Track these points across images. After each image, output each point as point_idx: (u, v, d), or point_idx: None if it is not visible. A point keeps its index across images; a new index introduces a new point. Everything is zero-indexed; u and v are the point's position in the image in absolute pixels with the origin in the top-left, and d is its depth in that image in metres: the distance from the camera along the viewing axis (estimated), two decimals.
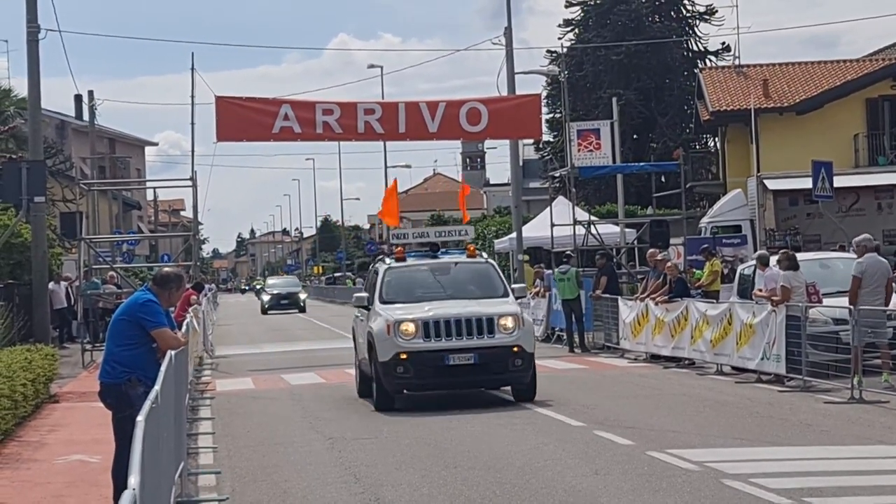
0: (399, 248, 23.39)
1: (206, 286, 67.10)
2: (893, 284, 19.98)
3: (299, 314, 68.72)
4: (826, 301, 21.13)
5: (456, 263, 21.83)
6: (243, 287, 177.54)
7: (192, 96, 34.00)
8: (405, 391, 20.05)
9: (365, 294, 21.59)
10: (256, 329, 53.36)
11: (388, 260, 22.02)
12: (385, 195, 31.33)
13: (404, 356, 19.26)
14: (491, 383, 20.38)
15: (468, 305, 19.90)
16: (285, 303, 73.37)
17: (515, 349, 19.39)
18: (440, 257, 22.18)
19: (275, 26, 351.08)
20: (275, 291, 76.00)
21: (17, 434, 17.87)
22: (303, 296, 77.03)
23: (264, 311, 71.79)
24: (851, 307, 19.09)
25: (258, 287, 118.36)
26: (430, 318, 19.50)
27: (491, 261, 22.33)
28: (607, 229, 41.45)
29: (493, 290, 20.95)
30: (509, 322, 19.52)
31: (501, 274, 21.84)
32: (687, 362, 24.63)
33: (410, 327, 19.41)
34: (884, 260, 20.41)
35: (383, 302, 20.49)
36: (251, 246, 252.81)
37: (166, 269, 13.04)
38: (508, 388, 20.41)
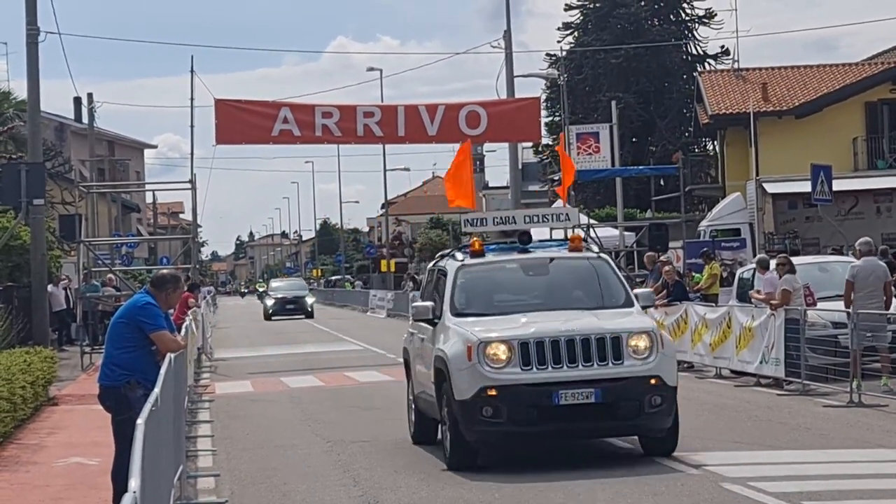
0: (475, 239, 16.64)
1: (206, 289, 67.30)
2: (893, 288, 20.00)
3: (306, 320, 62.76)
4: (824, 304, 21.13)
5: (555, 259, 15.96)
6: (243, 290, 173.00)
7: (192, 99, 34.05)
8: (494, 442, 14.06)
9: (428, 304, 15.50)
10: (256, 333, 53.31)
11: (459, 255, 15.98)
12: (452, 167, 21.32)
13: (493, 392, 13.54)
14: (618, 431, 14.57)
15: (580, 318, 14.30)
16: (291, 308, 67.24)
17: (653, 381, 13.80)
18: (532, 251, 16.10)
19: (274, 29, 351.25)
20: (279, 295, 69.38)
21: (15, 437, 17.86)
22: (310, 300, 69.44)
23: (268, 317, 66.32)
24: (850, 311, 19.10)
25: (260, 290, 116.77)
26: (531, 336, 13.74)
27: (604, 255, 16.41)
28: (606, 232, 41.51)
29: (612, 296, 15.28)
30: (643, 342, 13.90)
31: (620, 273, 16.12)
32: (686, 365, 24.65)
33: (502, 351, 13.70)
34: (881, 263, 20.42)
35: (457, 314, 14.81)
36: (250, 249, 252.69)
37: (163, 270, 13.05)
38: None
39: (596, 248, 16.59)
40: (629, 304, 15.09)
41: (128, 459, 6.56)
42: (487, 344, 13.71)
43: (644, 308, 15.32)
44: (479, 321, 14.45)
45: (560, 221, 19.00)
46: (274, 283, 78.31)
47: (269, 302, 68.88)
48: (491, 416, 13.58)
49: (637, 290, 16.02)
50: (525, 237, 16.26)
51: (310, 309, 66.82)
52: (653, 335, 13.97)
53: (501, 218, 16.48)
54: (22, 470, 15.11)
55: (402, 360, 17.49)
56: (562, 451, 14.76)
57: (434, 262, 17.06)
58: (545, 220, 16.72)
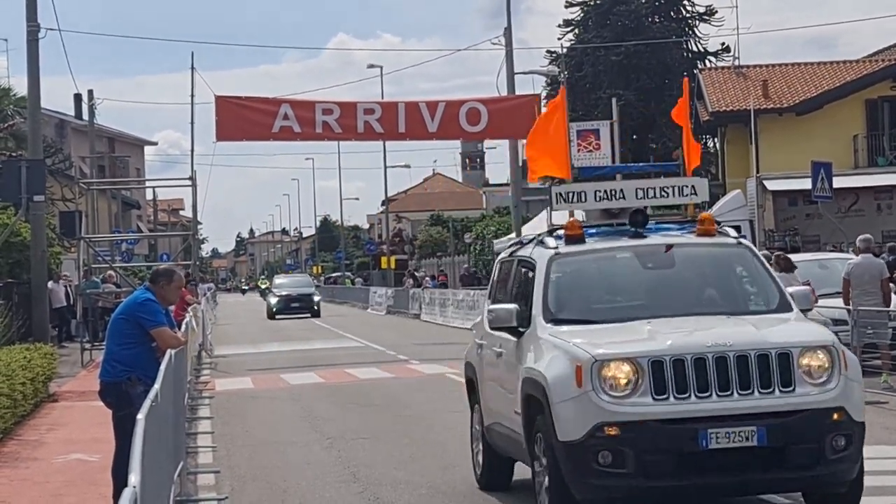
0: (572, 220, 12.25)
1: (206, 285, 67.18)
2: (892, 284, 20.01)
3: (312, 319, 59.65)
4: (824, 301, 21.13)
5: (679, 247, 11.87)
6: (244, 287, 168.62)
7: (192, 96, 34.11)
8: (616, 499, 10.10)
9: (511, 306, 11.47)
10: (257, 330, 53.32)
11: (550, 241, 11.86)
12: (538, 126, 16.47)
13: (614, 431, 9.91)
14: (787, 485, 10.59)
15: (726, 327, 10.58)
16: (296, 306, 63.45)
17: (836, 416, 10.15)
18: (648, 235, 11.96)
19: (274, 25, 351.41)
20: (284, 293, 65.17)
21: (16, 433, 17.87)
22: (316, 297, 65.49)
23: (271, 316, 62.93)
24: (850, 308, 19.11)
25: (262, 287, 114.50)
26: (667, 353, 10.01)
27: (746, 241, 12.23)
28: None
29: (761, 296, 11.49)
30: (821, 361, 10.21)
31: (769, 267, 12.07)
32: None
33: (626, 373, 9.99)
34: (878, 260, 20.41)
35: (553, 320, 10.95)
36: (250, 245, 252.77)
37: (159, 266, 13.11)
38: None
39: (734, 232, 12.18)
40: (785, 307, 11.15)
41: (128, 455, 6.56)
42: (605, 363, 9.91)
43: (803, 312, 11.26)
44: (586, 331, 10.62)
45: (685, 196, 13.39)
46: (278, 280, 73.26)
47: (273, 300, 65.29)
48: (610, 465, 9.84)
49: (791, 289, 11.69)
50: (640, 217, 11.95)
51: (316, 307, 63.17)
52: (833, 351, 10.20)
53: (606, 192, 12.21)
54: (22, 466, 15.11)
55: (463, 374, 13.83)
56: None
57: (510, 249, 13.08)
58: (664, 194, 10.35)
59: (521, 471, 11.94)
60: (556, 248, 11.68)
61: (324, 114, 33.12)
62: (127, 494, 5.20)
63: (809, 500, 10.90)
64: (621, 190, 12.63)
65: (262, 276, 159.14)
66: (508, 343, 11.50)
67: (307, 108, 33.42)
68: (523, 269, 12.12)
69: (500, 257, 13.43)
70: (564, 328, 10.77)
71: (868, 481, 11.21)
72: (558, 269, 11.47)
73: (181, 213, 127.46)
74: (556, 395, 10.07)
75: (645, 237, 11.88)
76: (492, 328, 11.73)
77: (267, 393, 23.84)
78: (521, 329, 11.22)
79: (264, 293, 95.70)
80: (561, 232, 11.93)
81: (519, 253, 12.57)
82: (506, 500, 12.17)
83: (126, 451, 7.88)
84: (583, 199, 12.63)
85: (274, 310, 63.55)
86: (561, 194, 12.74)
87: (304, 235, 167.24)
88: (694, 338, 10.17)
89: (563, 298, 11.32)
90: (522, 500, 11.90)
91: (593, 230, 12.15)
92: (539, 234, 12.43)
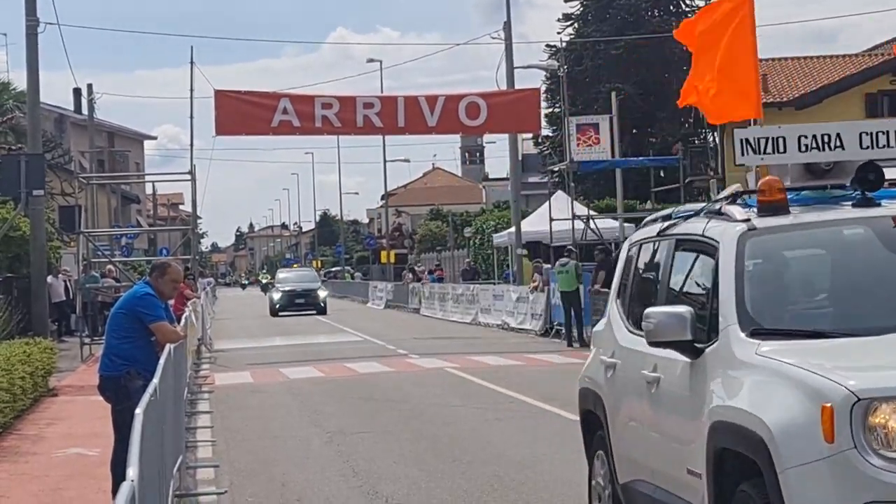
0: (769, 178, 8.11)
1: (205, 280, 67.20)
2: None
3: (318, 316, 56.06)
4: None
5: None
6: (244, 281, 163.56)
7: (192, 90, 34.00)
8: None
9: (682, 309, 7.48)
10: (256, 327, 53.31)
11: (736, 211, 8.02)
12: (704, 41, 11.22)
13: None
14: None
15: None
16: (301, 302, 59.81)
17: None
18: (883, 202, 7.95)
19: (274, 20, 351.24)
20: (287, 288, 61.35)
21: (15, 427, 17.87)
22: (322, 293, 61.69)
23: (274, 313, 59.25)
24: None
25: (264, 281, 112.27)
26: None
27: None
28: (606, 224, 41.48)
29: None
30: None
31: None
32: None
33: None
34: None
35: (758, 331, 7.10)
36: (250, 240, 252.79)
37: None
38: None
39: None
40: None
41: (127, 450, 6.56)
42: (874, 403, 6.11)
43: None
44: (819, 349, 6.84)
45: None
46: (281, 275, 67.61)
47: (276, 296, 61.13)
48: None
49: None
50: (872, 174, 7.96)
51: (322, 304, 59.37)
52: None
53: (816, 138, 8.28)
54: (21, 460, 15.11)
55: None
56: (564, 443, 14.62)
57: (658, 225, 9.04)
58: None
59: None
60: (749, 221, 7.75)
61: (323, 108, 33.10)
62: (125, 488, 5.18)
63: None
64: (837, 135, 8.35)
65: (264, 270, 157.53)
66: (674, 365, 7.70)
67: (306, 103, 33.40)
68: (690, 255, 8.31)
69: (635, 238, 9.57)
70: (779, 344, 6.94)
71: None
72: (757, 253, 7.63)
73: (181, 207, 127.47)
74: (788, 455, 6.25)
75: (878, 205, 7.90)
76: (651, 342, 7.66)
77: (266, 387, 23.83)
78: (698, 345, 7.43)
79: (266, 288, 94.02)
80: (751, 198, 8.09)
81: (679, 230, 8.58)
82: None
83: (125, 445, 7.87)
84: (780, 147, 8.38)
85: (277, 306, 59.63)
86: (749, 141, 8.49)
87: (304, 230, 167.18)
88: None
89: (769, 298, 7.49)
90: None
91: (795, 194, 8.17)
92: (712, 202, 8.58)
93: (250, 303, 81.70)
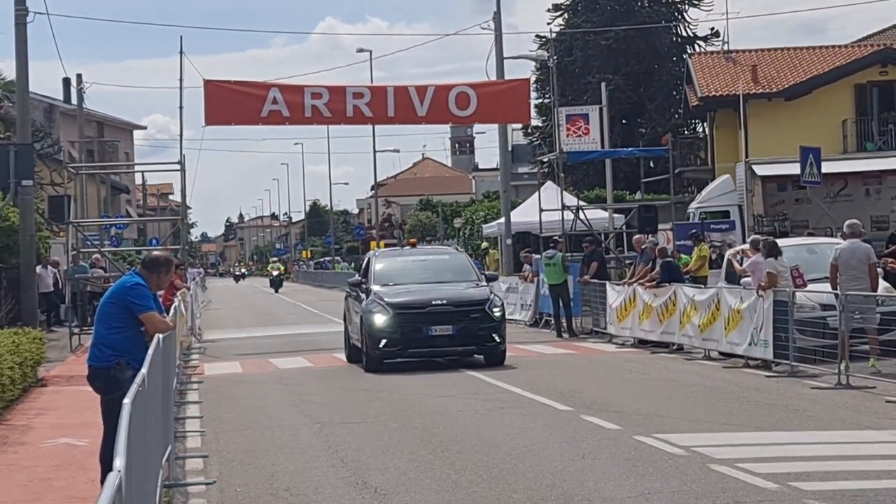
0: None
1: (195, 270, 67.08)
2: (878, 269, 20.04)
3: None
4: (813, 286, 21.16)
5: None
6: (238, 272, 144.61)
7: (181, 80, 33.92)
8: None
9: None
10: (245, 315, 53.26)
11: None
12: None
13: None
14: None
15: None
16: (447, 332, 23.02)
17: None
18: None
19: (263, 9, 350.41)
20: (404, 299, 24.63)
21: (4, 417, 17.85)
22: (497, 311, 22.02)
23: (376, 362, 24.39)
24: (839, 293, 19.15)
25: (275, 273, 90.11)
26: None
27: None
28: (596, 214, 41.53)
29: None
30: None
31: None
32: (675, 347, 24.66)
33: None
34: (865, 245, 20.40)
35: None
36: (240, 230, 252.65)
37: (156, 252, 13.04)
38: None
39: None
40: None
41: (115, 440, 6.55)
42: None
43: None
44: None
45: None
46: (381, 264, 26.28)
47: (380, 319, 23.96)
48: None
49: None
50: None
51: (499, 340, 24.35)
52: None
53: None
54: (10, 451, 15.10)
55: None
56: (553, 434, 14.77)
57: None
58: None
59: None
60: None
61: (313, 98, 33.08)
62: (112, 479, 5.18)
63: None
64: None
65: (275, 260, 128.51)
66: None
67: (296, 93, 33.37)
68: None
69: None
70: None
71: (855, 465, 11.25)
72: None
73: (170, 197, 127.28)
74: None
75: None
76: None
77: (255, 377, 23.83)
78: None
79: (277, 282, 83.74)
80: None
81: None
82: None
83: (113, 435, 7.87)
84: None
85: (382, 345, 23.94)
86: None
87: (294, 220, 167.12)
88: None
89: None
90: None
91: None
92: None
93: (250, 298, 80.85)
